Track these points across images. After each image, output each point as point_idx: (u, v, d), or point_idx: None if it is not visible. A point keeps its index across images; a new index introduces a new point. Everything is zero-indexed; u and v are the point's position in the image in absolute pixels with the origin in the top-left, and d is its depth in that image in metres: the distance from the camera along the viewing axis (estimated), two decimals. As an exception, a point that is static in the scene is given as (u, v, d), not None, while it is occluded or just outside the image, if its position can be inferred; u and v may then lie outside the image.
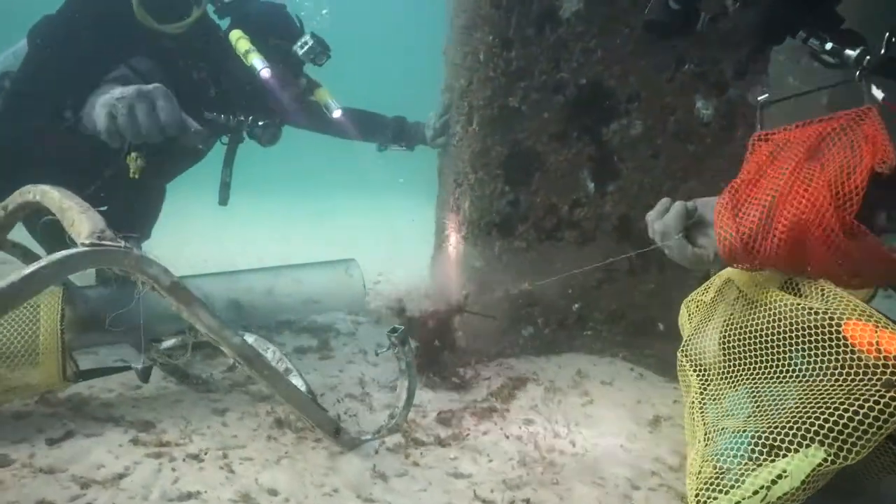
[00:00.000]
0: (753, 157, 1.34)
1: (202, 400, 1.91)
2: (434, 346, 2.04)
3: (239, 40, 2.33)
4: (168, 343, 1.87)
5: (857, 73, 1.41)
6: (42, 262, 1.06)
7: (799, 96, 1.66)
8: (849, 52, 1.42)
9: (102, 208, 1.24)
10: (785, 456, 1.14)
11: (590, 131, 2.18)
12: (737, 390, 1.41)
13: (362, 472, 1.47)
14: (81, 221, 1.17)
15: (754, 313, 1.40)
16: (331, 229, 6.13)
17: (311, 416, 1.47)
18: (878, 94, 1.38)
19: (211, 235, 5.06)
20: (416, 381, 1.69)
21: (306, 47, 2.45)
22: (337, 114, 2.70)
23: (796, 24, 1.50)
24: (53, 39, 2.15)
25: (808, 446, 1.13)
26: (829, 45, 1.45)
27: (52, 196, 1.31)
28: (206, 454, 1.48)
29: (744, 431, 1.27)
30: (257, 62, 2.28)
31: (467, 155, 2.22)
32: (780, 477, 1.10)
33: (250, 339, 1.75)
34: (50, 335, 1.60)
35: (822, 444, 1.11)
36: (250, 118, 2.49)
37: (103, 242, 1.12)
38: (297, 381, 1.59)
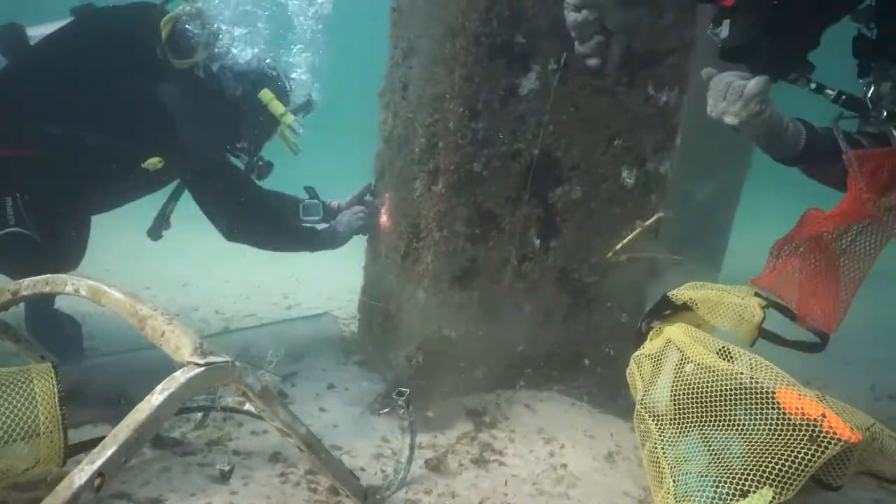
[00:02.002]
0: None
1: (190, 466, 1.96)
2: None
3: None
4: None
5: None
6: (171, 388, 1.14)
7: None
8: (828, 91, 1.81)
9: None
10: (745, 496, 1.57)
11: (539, 195, 2.52)
12: (688, 435, 1.84)
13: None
14: (177, 336, 1.24)
15: (702, 375, 1.83)
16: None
17: (347, 485, 1.64)
18: None
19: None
20: (416, 436, 1.93)
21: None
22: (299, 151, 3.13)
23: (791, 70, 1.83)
24: None
25: (760, 488, 1.57)
26: (813, 86, 1.81)
27: (118, 298, 1.34)
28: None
29: (706, 476, 1.69)
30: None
31: (432, 213, 2.44)
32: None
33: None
34: (50, 415, 1.59)
35: (770, 485, 1.56)
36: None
37: (215, 360, 1.21)
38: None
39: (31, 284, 1.50)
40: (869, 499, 2.12)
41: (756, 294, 2.04)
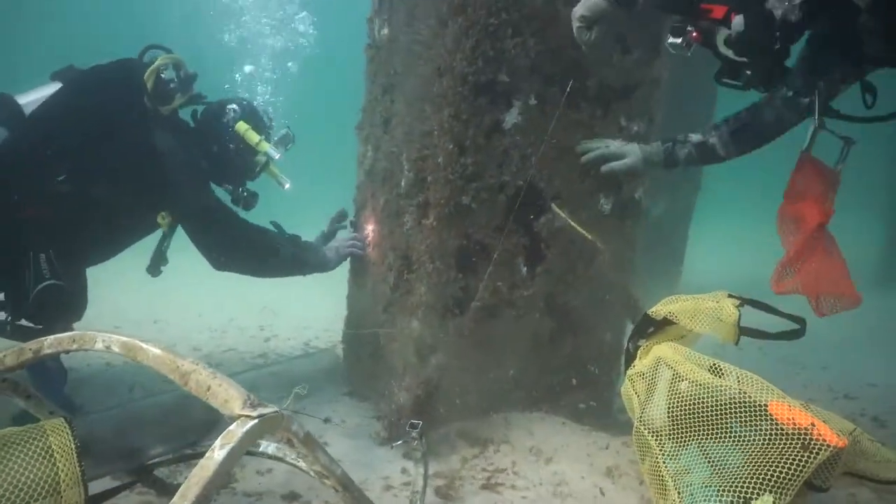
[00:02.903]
0: None
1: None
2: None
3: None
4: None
5: None
6: (231, 443, 1.18)
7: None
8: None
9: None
10: (748, 503, 1.71)
11: (524, 224, 2.65)
12: (687, 449, 1.98)
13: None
14: (225, 390, 1.28)
15: (697, 391, 1.97)
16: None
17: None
18: None
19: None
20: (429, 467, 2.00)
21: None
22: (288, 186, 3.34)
23: None
24: None
25: (761, 494, 1.71)
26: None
27: (157, 354, 1.36)
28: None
29: (710, 486, 1.83)
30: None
31: (424, 246, 2.53)
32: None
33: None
34: (69, 470, 1.58)
35: (770, 491, 1.70)
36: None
37: (265, 411, 1.26)
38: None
39: (56, 342, 1.50)
40: (843, 494, 2.32)
41: (730, 295, 2.21)
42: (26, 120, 2.68)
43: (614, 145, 2.61)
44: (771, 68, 2.01)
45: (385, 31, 3.05)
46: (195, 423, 2.29)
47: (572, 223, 2.60)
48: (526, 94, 2.53)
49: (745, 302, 2.19)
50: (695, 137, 2.53)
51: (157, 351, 1.38)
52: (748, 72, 2.03)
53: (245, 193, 3.23)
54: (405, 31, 2.77)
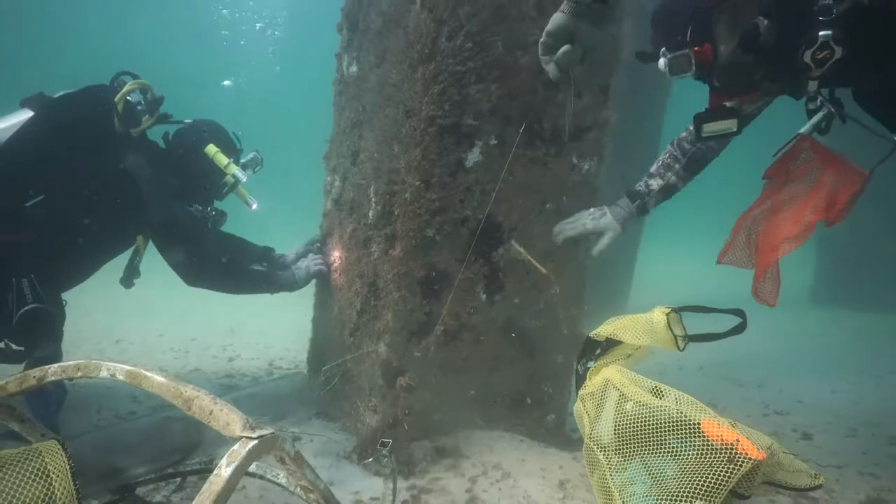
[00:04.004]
0: None
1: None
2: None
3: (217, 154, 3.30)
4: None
5: None
6: (236, 461, 1.36)
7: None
8: None
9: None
10: (681, 510, 1.98)
11: (484, 255, 2.89)
12: (631, 462, 2.24)
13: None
14: (226, 414, 1.46)
15: (640, 411, 2.24)
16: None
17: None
18: None
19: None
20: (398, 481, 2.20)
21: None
22: (255, 206, 3.52)
23: None
24: None
25: (692, 502, 1.98)
26: None
27: (160, 382, 1.53)
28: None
29: (649, 496, 2.08)
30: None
31: (391, 275, 2.74)
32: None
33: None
34: (65, 491, 1.72)
35: (700, 499, 1.97)
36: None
37: (263, 433, 1.44)
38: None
39: (60, 370, 1.65)
40: (764, 501, 2.63)
41: (662, 307, 2.47)
42: (1, 149, 2.78)
43: (589, 221, 2.87)
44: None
45: (354, 68, 3.27)
46: (173, 446, 2.44)
47: (529, 258, 2.85)
48: (487, 135, 2.78)
49: (680, 309, 2.46)
50: (655, 184, 2.85)
51: (160, 379, 1.55)
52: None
53: (213, 213, 3.42)
54: (375, 72, 2.99)
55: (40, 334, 2.71)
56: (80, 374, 1.63)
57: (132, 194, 2.99)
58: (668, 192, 2.88)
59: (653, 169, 2.90)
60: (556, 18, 2.25)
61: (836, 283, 8.18)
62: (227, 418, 1.47)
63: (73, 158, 2.89)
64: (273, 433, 1.48)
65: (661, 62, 2.20)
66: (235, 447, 1.41)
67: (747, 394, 4.32)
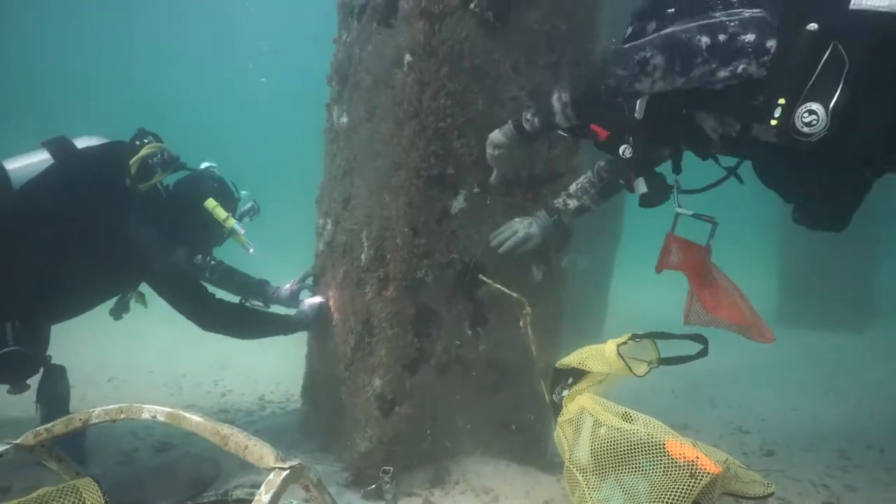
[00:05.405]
0: None
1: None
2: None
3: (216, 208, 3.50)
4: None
5: None
6: (273, 489, 1.63)
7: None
8: None
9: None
10: (651, 521, 2.28)
11: (468, 293, 3.20)
12: (606, 481, 2.55)
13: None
14: (259, 448, 1.73)
15: (613, 434, 2.55)
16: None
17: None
18: None
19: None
20: (398, 506, 2.47)
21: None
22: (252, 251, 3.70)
23: None
24: None
25: (661, 514, 2.29)
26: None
27: (198, 422, 1.80)
28: None
29: (623, 510, 2.39)
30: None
31: (384, 314, 3.03)
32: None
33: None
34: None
35: (668, 511, 2.28)
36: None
37: (293, 463, 1.72)
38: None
39: (104, 413, 1.89)
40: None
41: (631, 336, 2.75)
42: (14, 194, 2.95)
43: (521, 229, 3.15)
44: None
45: (344, 119, 3.59)
46: (189, 479, 2.68)
47: (498, 286, 3.13)
48: (470, 185, 3.10)
49: (640, 337, 2.78)
50: (572, 203, 3.19)
51: (198, 419, 1.81)
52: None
53: (212, 262, 3.64)
54: (366, 126, 3.30)
55: (15, 374, 2.92)
56: (122, 416, 1.88)
57: (134, 254, 3.17)
58: (581, 212, 3.19)
59: (571, 189, 3.22)
60: (494, 138, 2.85)
61: (798, 303, 8.66)
62: (260, 452, 1.74)
63: (79, 218, 3.06)
64: (300, 463, 1.75)
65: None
66: (271, 477, 1.68)
67: (720, 413, 4.68)
